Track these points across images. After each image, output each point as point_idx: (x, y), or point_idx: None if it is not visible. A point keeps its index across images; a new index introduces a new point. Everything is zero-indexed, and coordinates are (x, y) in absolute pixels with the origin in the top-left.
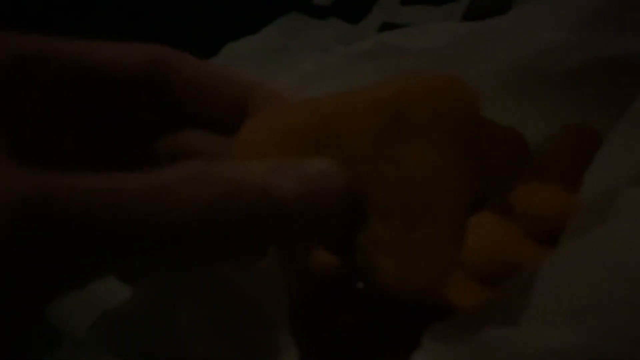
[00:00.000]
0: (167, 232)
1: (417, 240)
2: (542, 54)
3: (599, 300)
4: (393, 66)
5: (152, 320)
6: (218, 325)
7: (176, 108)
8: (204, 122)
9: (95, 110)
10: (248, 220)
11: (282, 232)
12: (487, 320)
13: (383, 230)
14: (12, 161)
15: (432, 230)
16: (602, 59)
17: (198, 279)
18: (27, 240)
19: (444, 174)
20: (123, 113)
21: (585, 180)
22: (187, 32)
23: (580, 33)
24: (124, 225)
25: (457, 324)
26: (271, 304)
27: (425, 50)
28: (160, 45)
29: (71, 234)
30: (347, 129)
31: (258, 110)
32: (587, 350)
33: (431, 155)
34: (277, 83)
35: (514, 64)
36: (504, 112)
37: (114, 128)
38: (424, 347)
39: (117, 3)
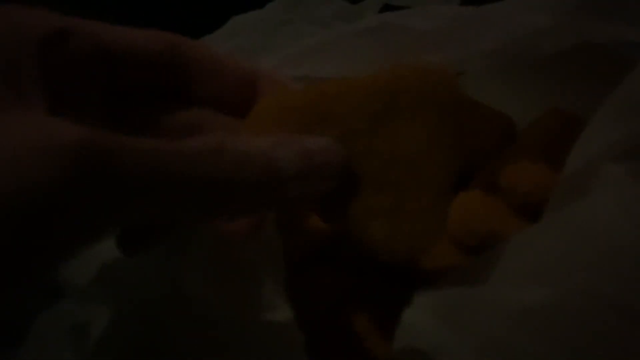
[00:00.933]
0: (194, 190)
1: (406, 209)
2: (531, 38)
3: (571, 264)
4: (392, 44)
5: (154, 275)
6: (219, 285)
7: (188, 89)
8: (212, 103)
9: (115, 87)
10: (254, 185)
11: (283, 197)
12: (472, 282)
13: (375, 200)
14: (61, 118)
15: (420, 200)
16: (586, 45)
17: (201, 243)
18: (77, 186)
19: (431, 151)
20: (140, 91)
21: (569, 158)
22: (195, 4)
23: (568, 20)
24: (163, 183)
25: (445, 285)
26: (268, 267)
27: (424, 31)
28: (173, 19)
29: (116, 188)
30: (346, 110)
31: (265, 95)
32: (556, 306)
33: (420, 134)
34: (280, 56)
35: (505, 47)
36: (494, 91)
37: (131, 104)
38: (414, 304)
39: None
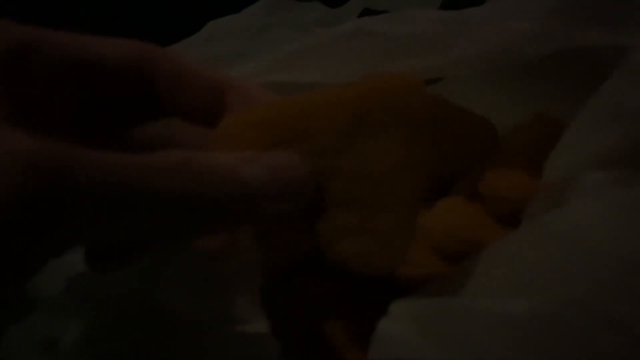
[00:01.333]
0: (156, 206)
1: (373, 228)
2: (512, 43)
3: (551, 273)
4: (371, 50)
5: (127, 288)
6: (194, 298)
7: (157, 99)
8: (181, 113)
9: (83, 98)
10: (220, 202)
11: (250, 213)
12: (450, 292)
13: (342, 218)
14: (19, 130)
15: (387, 219)
16: (568, 50)
17: (175, 256)
18: (31, 201)
19: (401, 167)
20: (109, 101)
21: (547, 165)
22: (171, 9)
23: (549, 25)
24: (122, 198)
25: (422, 295)
26: (243, 280)
27: (403, 35)
28: (147, 25)
29: (72, 202)
30: (314, 126)
31: (233, 105)
32: (538, 317)
33: (390, 150)
34: (258, 62)
35: (486, 52)
36: (476, 97)
37: (100, 114)
38: (391, 314)
39: None
